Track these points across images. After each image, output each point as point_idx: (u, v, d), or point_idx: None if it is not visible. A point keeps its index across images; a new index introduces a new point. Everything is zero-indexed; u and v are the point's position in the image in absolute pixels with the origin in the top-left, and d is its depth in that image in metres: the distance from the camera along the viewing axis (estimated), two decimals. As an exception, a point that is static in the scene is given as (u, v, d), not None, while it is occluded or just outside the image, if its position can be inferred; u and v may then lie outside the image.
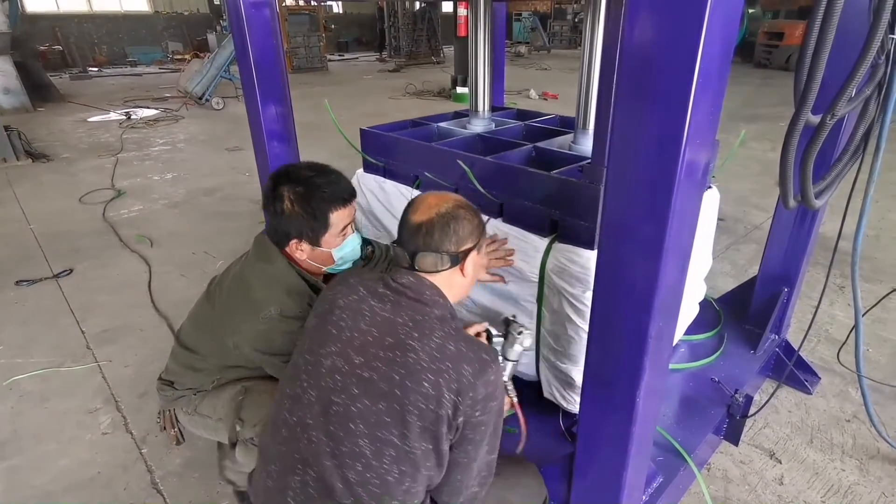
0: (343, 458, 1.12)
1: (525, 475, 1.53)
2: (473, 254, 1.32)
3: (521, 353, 1.59)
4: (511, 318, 1.63)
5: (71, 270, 3.89)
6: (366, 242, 1.85)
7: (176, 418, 1.85)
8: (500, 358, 1.56)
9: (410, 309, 1.21)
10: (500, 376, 1.18)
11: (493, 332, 1.59)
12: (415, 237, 1.27)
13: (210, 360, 1.71)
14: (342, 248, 1.63)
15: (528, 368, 1.99)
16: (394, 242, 1.36)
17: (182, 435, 1.90)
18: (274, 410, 1.26)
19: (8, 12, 8.95)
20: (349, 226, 1.63)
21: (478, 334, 1.57)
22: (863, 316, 1.88)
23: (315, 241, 1.58)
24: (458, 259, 1.29)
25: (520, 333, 1.57)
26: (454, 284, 1.32)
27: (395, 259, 1.32)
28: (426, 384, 1.09)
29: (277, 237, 1.59)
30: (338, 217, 1.57)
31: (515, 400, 1.54)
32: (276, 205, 1.54)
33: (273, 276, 1.58)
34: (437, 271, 1.28)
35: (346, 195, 1.60)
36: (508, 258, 1.78)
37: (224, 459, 1.85)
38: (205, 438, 2.20)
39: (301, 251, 1.59)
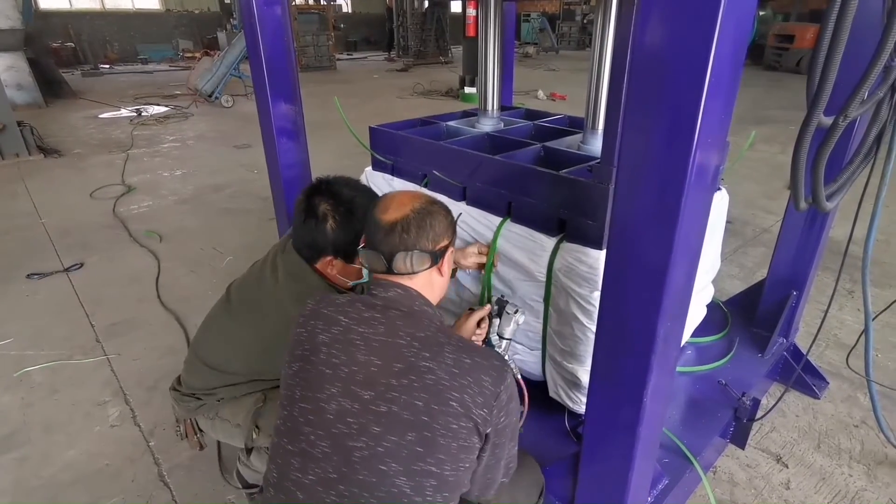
0: None
1: (523, 465, 1.51)
2: (450, 251, 1.28)
3: (515, 330, 1.71)
4: (501, 298, 1.73)
5: (81, 264, 3.92)
6: None
7: (197, 425, 1.84)
8: (497, 337, 1.70)
9: (407, 326, 1.13)
10: (513, 378, 1.16)
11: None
12: (390, 237, 1.19)
13: (243, 376, 1.70)
14: None
15: (533, 368, 1.99)
16: (362, 247, 1.28)
17: (204, 441, 1.89)
18: (277, 472, 1.13)
19: (22, 9, 9.02)
20: None
21: (482, 319, 1.67)
22: (872, 320, 1.87)
23: (350, 259, 1.59)
24: (437, 257, 1.22)
25: (515, 312, 1.68)
26: (434, 285, 1.26)
27: (368, 264, 1.25)
28: (453, 402, 1.04)
29: (310, 252, 1.59)
30: None
31: (519, 377, 1.65)
32: (317, 223, 1.54)
33: (306, 292, 1.55)
34: (416, 272, 1.21)
35: None
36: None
37: (239, 461, 1.87)
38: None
39: (332, 266, 1.60)
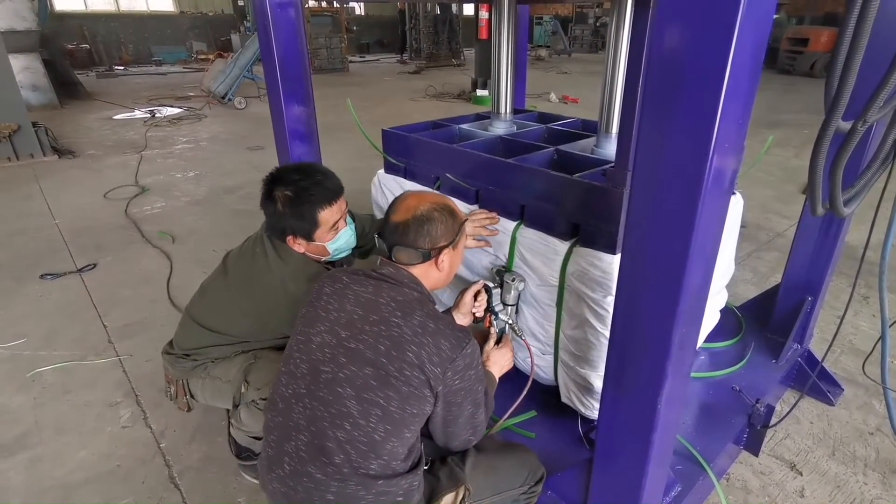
0: (333, 420, 1.23)
1: (522, 450, 1.62)
2: (448, 250, 1.46)
3: (517, 296, 1.87)
4: (501, 269, 1.90)
5: (94, 265, 3.95)
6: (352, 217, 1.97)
7: (187, 387, 1.94)
8: (501, 304, 1.87)
9: (392, 291, 1.35)
10: (476, 350, 1.32)
11: (491, 285, 1.85)
12: (393, 234, 1.43)
13: (235, 338, 1.84)
14: (335, 240, 1.80)
15: (546, 373, 1.98)
16: (377, 234, 1.49)
17: (192, 403, 1.99)
18: (272, 388, 1.40)
19: (38, 11, 9.13)
20: (340, 220, 1.79)
21: (478, 292, 1.83)
22: (889, 327, 1.84)
23: (308, 238, 1.74)
24: (429, 255, 1.42)
25: (513, 280, 1.83)
26: (430, 276, 1.46)
27: (377, 249, 1.48)
28: (410, 354, 1.23)
29: (274, 232, 1.77)
30: (326, 215, 1.73)
31: (523, 337, 1.90)
32: (271, 206, 1.71)
33: (295, 270, 1.76)
34: (412, 264, 1.42)
35: (332, 195, 1.74)
36: (490, 227, 1.89)
37: (231, 426, 2.00)
38: (221, 437, 2.24)
39: (298, 245, 1.76)
